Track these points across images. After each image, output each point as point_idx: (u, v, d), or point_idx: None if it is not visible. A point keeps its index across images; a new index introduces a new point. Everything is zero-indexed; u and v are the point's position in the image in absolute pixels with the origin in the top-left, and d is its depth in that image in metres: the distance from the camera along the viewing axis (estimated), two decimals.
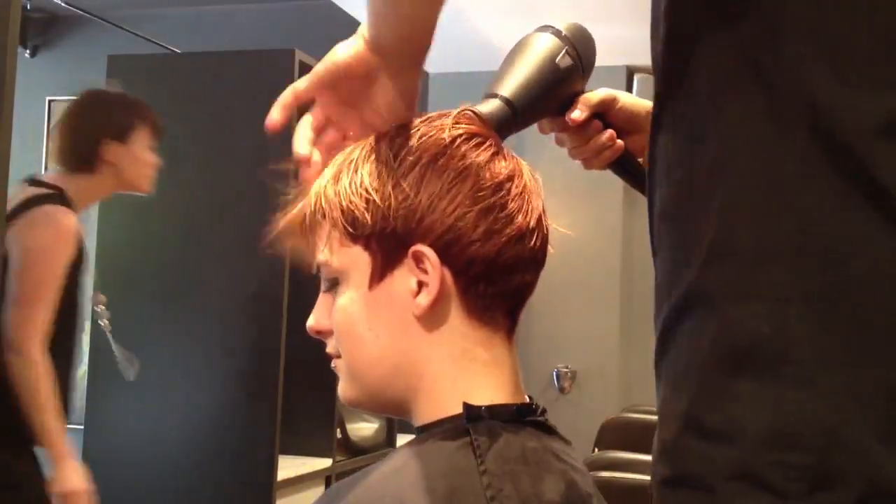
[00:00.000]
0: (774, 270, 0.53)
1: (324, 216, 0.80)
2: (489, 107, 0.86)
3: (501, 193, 0.77)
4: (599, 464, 2.48)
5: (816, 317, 0.52)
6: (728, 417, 0.54)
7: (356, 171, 0.78)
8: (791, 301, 0.53)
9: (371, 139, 0.80)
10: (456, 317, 0.77)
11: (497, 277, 0.77)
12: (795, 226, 0.53)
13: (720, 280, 0.55)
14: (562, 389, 4.48)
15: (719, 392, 0.54)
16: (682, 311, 0.57)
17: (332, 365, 0.83)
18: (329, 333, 0.82)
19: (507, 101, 0.87)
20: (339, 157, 0.81)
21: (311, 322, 0.83)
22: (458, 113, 0.81)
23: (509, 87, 0.86)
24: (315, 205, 0.81)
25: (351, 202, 0.77)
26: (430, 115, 0.81)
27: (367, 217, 0.76)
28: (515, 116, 0.88)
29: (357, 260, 0.78)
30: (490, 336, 0.78)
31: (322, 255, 0.80)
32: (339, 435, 2.83)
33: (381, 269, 0.77)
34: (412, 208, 0.75)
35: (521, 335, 0.82)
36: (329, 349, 0.83)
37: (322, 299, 0.82)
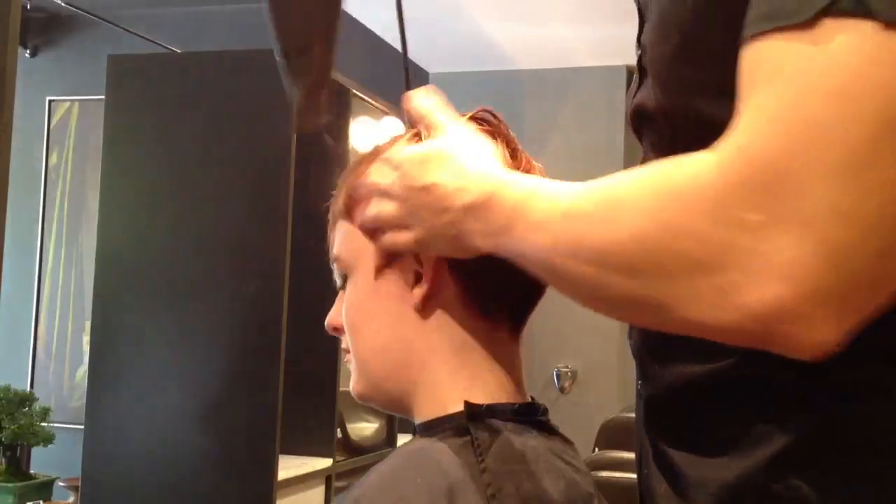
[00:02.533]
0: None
1: (339, 211, 0.83)
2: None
3: None
4: (599, 464, 2.48)
5: None
6: None
7: (362, 168, 0.82)
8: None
9: (391, 140, 0.84)
10: (455, 308, 0.78)
11: (494, 270, 0.77)
12: None
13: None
14: (562, 389, 4.47)
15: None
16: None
17: (345, 360, 0.85)
18: (343, 329, 0.84)
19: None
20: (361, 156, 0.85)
21: (328, 319, 0.85)
22: (473, 113, 0.83)
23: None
24: (334, 202, 0.84)
25: (355, 197, 0.80)
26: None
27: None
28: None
29: (363, 252, 0.80)
30: (490, 330, 0.79)
31: (335, 248, 0.83)
32: (339, 435, 2.84)
33: (384, 262, 0.79)
34: None
35: (521, 335, 0.83)
36: (343, 345, 0.85)
37: (339, 297, 0.85)
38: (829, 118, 0.48)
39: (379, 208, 0.76)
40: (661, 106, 0.66)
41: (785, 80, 0.50)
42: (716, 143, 0.52)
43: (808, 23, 0.49)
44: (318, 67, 0.83)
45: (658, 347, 0.68)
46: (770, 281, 0.48)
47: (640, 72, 0.71)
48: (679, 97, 0.63)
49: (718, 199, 0.50)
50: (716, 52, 0.57)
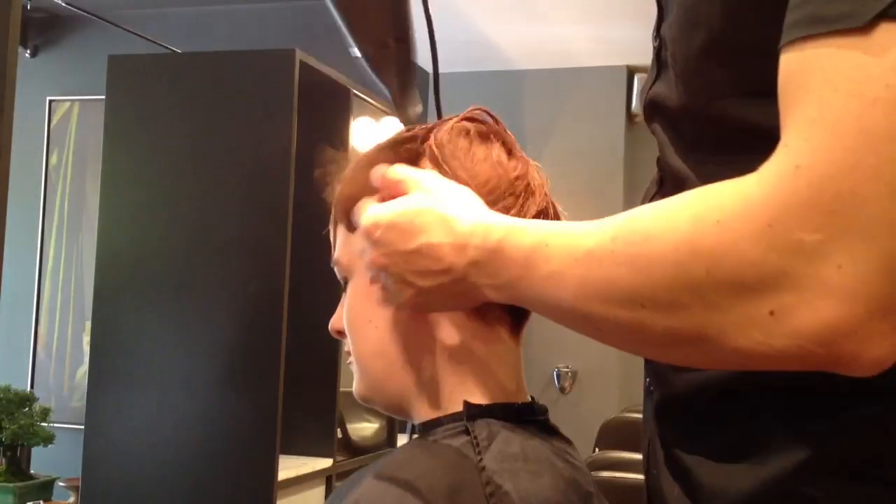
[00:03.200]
0: None
1: (336, 214, 0.83)
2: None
3: (495, 192, 0.77)
4: (599, 464, 2.48)
5: None
6: None
7: (356, 170, 0.82)
8: None
9: (384, 142, 0.83)
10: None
11: None
12: None
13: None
14: (562, 389, 4.47)
15: None
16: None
17: (347, 362, 0.85)
18: (346, 332, 0.84)
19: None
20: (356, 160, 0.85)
21: (331, 322, 0.85)
22: (466, 113, 0.82)
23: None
24: (333, 205, 0.84)
25: (350, 199, 0.81)
26: (448, 117, 0.83)
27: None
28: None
29: (359, 255, 0.79)
30: (488, 330, 0.78)
31: (335, 252, 0.83)
32: (339, 435, 2.84)
33: None
34: None
35: (521, 335, 0.83)
36: (346, 347, 0.85)
37: (342, 300, 0.85)
38: (889, 130, 0.46)
39: (379, 277, 0.73)
40: (685, 105, 0.63)
41: (840, 90, 0.47)
42: (762, 165, 0.50)
43: (864, 28, 0.47)
44: (398, 60, 0.82)
45: None
46: (827, 300, 0.47)
47: (658, 64, 0.69)
48: (704, 97, 0.61)
49: (772, 222, 0.48)
50: (745, 53, 0.55)
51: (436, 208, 0.68)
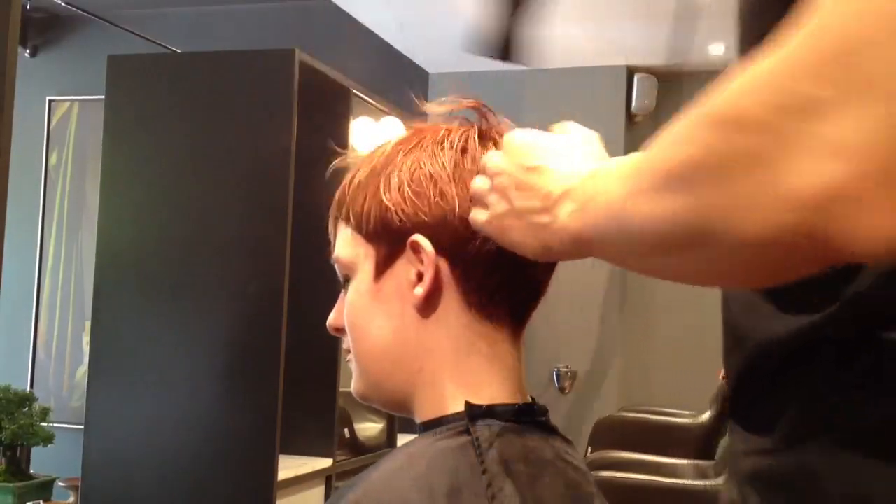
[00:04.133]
0: None
1: (338, 212, 0.83)
2: None
3: None
4: (599, 464, 2.49)
5: None
6: None
7: (361, 169, 0.82)
8: None
9: (389, 141, 0.83)
10: (455, 308, 0.78)
11: (494, 269, 0.77)
12: None
13: None
14: (562, 389, 4.48)
15: None
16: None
17: (346, 360, 0.85)
18: (345, 330, 0.84)
19: None
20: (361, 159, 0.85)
21: (329, 320, 0.85)
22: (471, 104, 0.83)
23: None
24: (334, 203, 0.84)
25: (354, 197, 0.81)
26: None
27: (370, 210, 0.79)
28: None
29: (363, 253, 0.80)
30: (492, 330, 0.79)
31: (335, 250, 0.83)
32: (346, 434, 2.84)
33: (384, 261, 0.79)
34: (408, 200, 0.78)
35: (522, 335, 0.83)
36: (345, 345, 0.85)
37: (341, 297, 0.85)
38: None
39: (477, 185, 0.74)
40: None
41: None
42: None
43: None
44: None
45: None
46: (824, 160, 0.42)
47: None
48: (753, 51, 0.61)
49: (780, 82, 0.45)
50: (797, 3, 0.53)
51: (573, 148, 0.70)
